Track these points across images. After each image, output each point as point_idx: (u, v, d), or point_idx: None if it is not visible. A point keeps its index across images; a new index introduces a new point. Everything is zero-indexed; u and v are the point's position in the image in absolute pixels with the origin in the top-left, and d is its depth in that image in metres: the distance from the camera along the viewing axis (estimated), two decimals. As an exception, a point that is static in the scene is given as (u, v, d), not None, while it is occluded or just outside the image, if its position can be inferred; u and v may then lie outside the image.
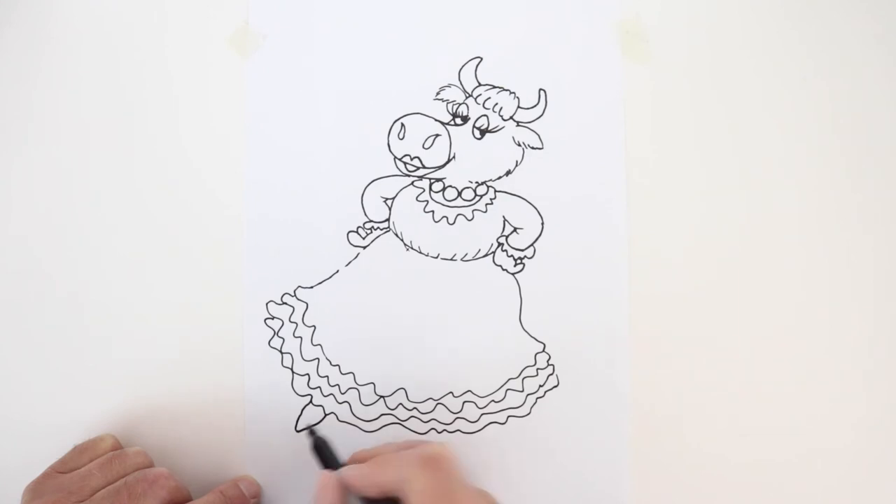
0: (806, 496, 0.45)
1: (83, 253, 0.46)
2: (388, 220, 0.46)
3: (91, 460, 0.42)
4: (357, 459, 0.41)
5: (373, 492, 0.39)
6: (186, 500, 0.42)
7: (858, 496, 0.45)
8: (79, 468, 0.42)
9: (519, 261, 0.46)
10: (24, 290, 0.46)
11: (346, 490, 0.40)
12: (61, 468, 0.42)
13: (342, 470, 0.40)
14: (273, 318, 0.46)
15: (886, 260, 0.46)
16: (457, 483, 0.38)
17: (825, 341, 0.46)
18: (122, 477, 0.41)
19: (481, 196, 0.46)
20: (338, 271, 0.46)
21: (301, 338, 0.46)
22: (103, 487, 0.40)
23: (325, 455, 0.42)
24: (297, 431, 0.44)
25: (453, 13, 0.47)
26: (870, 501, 0.45)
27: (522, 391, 0.45)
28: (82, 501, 0.40)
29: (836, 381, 0.46)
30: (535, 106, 0.46)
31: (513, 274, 0.46)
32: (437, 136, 0.46)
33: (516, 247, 0.46)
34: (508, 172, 0.46)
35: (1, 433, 0.45)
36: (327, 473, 0.40)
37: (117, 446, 0.44)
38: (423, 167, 0.46)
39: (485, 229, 0.46)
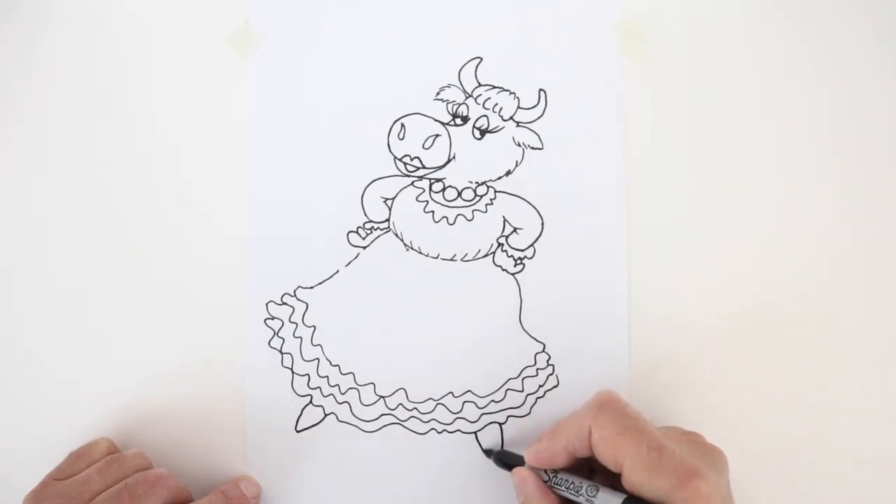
0: (811, 483, 0.45)
1: (82, 253, 0.46)
2: (388, 220, 0.46)
3: (88, 465, 0.42)
4: (532, 445, 0.42)
5: (562, 460, 0.40)
6: (187, 501, 0.42)
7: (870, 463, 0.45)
8: (76, 474, 0.41)
9: (519, 261, 0.46)
10: (21, 292, 0.46)
11: (538, 476, 0.41)
12: (59, 475, 0.42)
13: (527, 454, 0.41)
14: (273, 318, 0.46)
15: (887, 259, 0.46)
16: (634, 417, 0.38)
17: (829, 332, 0.46)
18: (122, 479, 0.41)
19: (481, 196, 0.46)
20: (338, 271, 0.46)
21: (301, 338, 0.46)
22: (103, 491, 0.40)
23: (509, 460, 0.43)
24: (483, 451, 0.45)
25: (453, 13, 0.47)
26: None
27: (522, 391, 0.45)
28: None
29: (839, 378, 0.46)
30: (535, 106, 0.46)
31: (513, 274, 0.46)
32: (437, 136, 0.46)
33: (516, 247, 0.46)
34: (508, 172, 0.46)
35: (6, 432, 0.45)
36: (518, 469, 0.41)
37: (113, 449, 0.44)
38: (423, 167, 0.46)
39: (485, 229, 0.46)
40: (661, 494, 0.36)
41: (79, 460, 0.42)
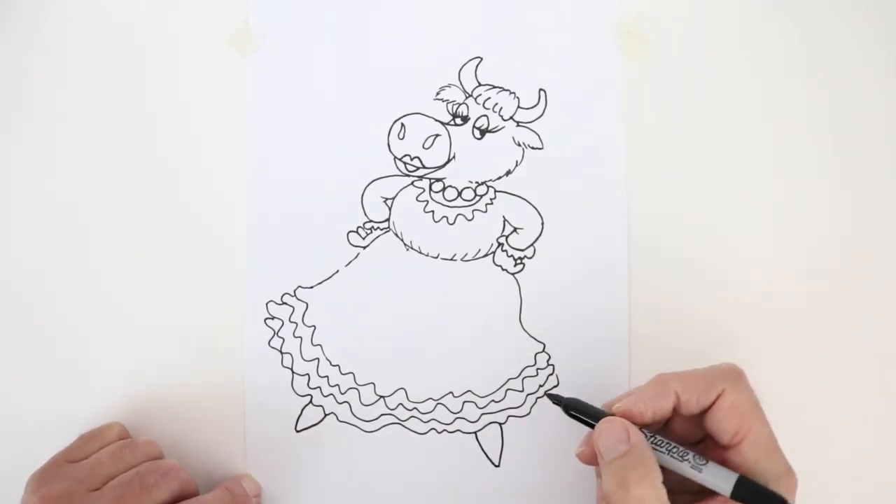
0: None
1: (82, 252, 0.46)
2: (388, 220, 0.46)
3: (98, 449, 0.42)
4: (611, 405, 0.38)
5: (664, 413, 0.37)
6: (195, 494, 0.42)
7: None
8: (86, 457, 0.41)
9: (519, 261, 0.46)
10: (30, 287, 0.46)
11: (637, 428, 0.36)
12: (68, 457, 0.41)
13: (619, 403, 0.37)
14: (273, 318, 0.46)
15: (888, 259, 0.46)
16: (758, 400, 0.37)
17: (829, 332, 0.46)
18: (132, 466, 0.41)
19: (481, 196, 0.46)
20: (338, 271, 0.46)
21: (301, 338, 0.46)
22: (114, 476, 0.40)
23: (586, 410, 0.38)
24: (548, 396, 0.40)
25: (453, 13, 0.47)
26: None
27: (522, 391, 0.45)
28: (94, 490, 0.39)
29: (840, 381, 0.46)
30: (535, 106, 0.46)
31: (513, 274, 0.46)
32: (437, 136, 0.46)
33: (516, 247, 0.46)
34: (508, 172, 0.46)
35: (3, 424, 0.45)
36: (614, 419, 0.36)
37: (124, 435, 0.44)
38: (423, 167, 0.46)
39: (485, 229, 0.46)
40: (769, 475, 0.35)
41: (89, 443, 0.42)
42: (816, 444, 0.45)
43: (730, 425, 0.36)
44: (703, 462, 0.36)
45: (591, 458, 0.38)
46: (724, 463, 0.37)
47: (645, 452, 0.35)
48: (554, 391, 0.45)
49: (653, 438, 0.37)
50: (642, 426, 0.37)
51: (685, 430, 0.39)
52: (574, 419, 0.39)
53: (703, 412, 0.37)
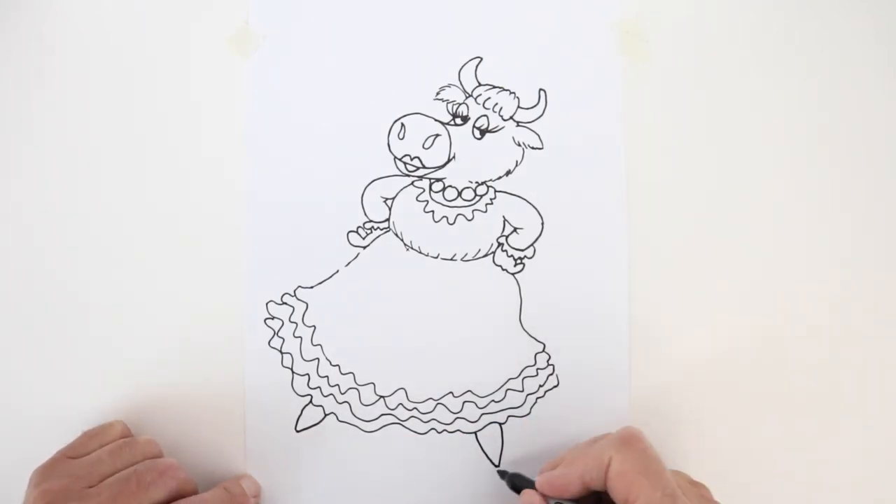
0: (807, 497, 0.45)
1: (84, 253, 0.46)
2: (388, 220, 0.46)
3: (100, 446, 0.42)
4: (545, 471, 0.42)
5: (575, 489, 0.40)
6: (193, 493, 0.42)
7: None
8: (88, 454, 0.42)
9: (519, 261, 0.46)
10: (33, 287, 0.46)
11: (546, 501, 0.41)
12: (70, 453, 0.42)
13: (540, 480, 0.41)
14: (273, 318, 0.46)
15: (888, 259, 0.46)
16: (655, 460, 0.38)
17: (829, 335, 0.46)
18: (132, 464, 0.41)
19: (481, 196, 0.46)
20: (338, 271, 0.46)
21: (301, 338, 0.46)
22: (112, 474, 0.40)
23: (521, 483, 0.42)
24: (498, 473, 0.44)
25: (453, 13, 0.47)
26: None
27: (522, 391, 0.45)
28: (91, 487, 0.40)
29: (840, 387, 0.46)
30: (535, 106, 0.46)
31: (513, 274, 0.46)
32: (437, 136, 0.46)
33: (516, 247, 0.46)
34: (508, 172, 0.46)
35: (9, 420, 0.45)
36: (529, 491, 0.41)
37: (126, 433, 0.44)
38: (423, 167, 0.46)
39: (485, 229, 0.46)
40: None
41: (92, 440, 0.43)
42: (816, 444, 0.45)
43: (620, 492, 0.38)
44: None
45: None
46: None
47: None
48: (554, 391, 0.45)
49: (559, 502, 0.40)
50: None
51: None
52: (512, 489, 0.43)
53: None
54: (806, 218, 0.46)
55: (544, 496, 0.40)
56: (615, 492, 0.38)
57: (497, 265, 0.46)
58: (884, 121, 0.47)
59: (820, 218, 0.46)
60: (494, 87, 0.47)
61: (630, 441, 0.39)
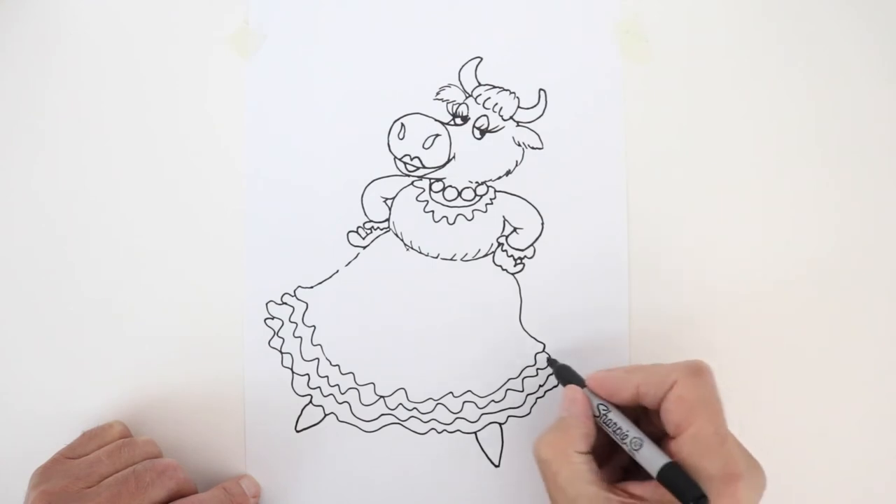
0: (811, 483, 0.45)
1: (83, 252, 0.46)
2: (388, 220, 0.46)
3: (99, 447, 0.42)
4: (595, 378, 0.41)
5: (626, 395, 0.39)
6: (192, 493, 0.42)
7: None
8: (87, 454, 0.42)
9: (519, 261, 0.46)
10: (32, 286, 0.46)
11: (590, 404, 0.39)
12: (70, 454, 0.42)
13: (592, 377, 0.40)
14: (273, 318, 0.46)
15: (883, 257, 0.46)
16: (717, 399, 0.37)
17: (833, 336, 0.46)
18: (131, 465, 0.41)
19: (481, 196, 0.46)
20: (338, 271, 0.46)
21: (301, 338, 0.46)
22: (111, 474, 0.40)
23: (569, 377, 0.42)
24: (548, 360, 0.44)
25: (453, 13, 0.47)
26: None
27: (522, 391, 0.45)
28: (90, 487, 0.40)
29: (846, 390, 0.46)
30: (535, 106, 0.46)
31: (513, 274, 0.46)
32: (437, 136, 0.46)
33: (516, 247, 0.46)
34: (508, 172, 0.46)
35: (9, 421, 0.45)
36: (572, 387, 0.40)
37: (126, 434, 0.44)
38: (423, 167, 0.46)
39: (485, 229, 0.46)
40: (702, 476, 0.35)
41: (91, 441, 0.43)
42: (815, 439, 0.45)
43: (673, 417, 0.37)
44: (639, 445, 0.37)
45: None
46: (665, 449, 0.37)
47: (570, 423, 0.39)
48: (554, 391, 0.45)
49: (605, 415, 0.39)
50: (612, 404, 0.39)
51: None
52: (562, 383, 0.42)
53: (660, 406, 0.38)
54: (807, 217, 0.46)
55: (591, 396, 0.40)
56: (669, 414, 0.37)
57: (497, 265, 0.46)
58: (883, 121, 0.47)
59: (821, 218, 0.46)
60: (494, 87, 0.47)
61: (700, 371, 0.38)
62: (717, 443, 0.36)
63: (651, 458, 0.37)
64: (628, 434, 0.38)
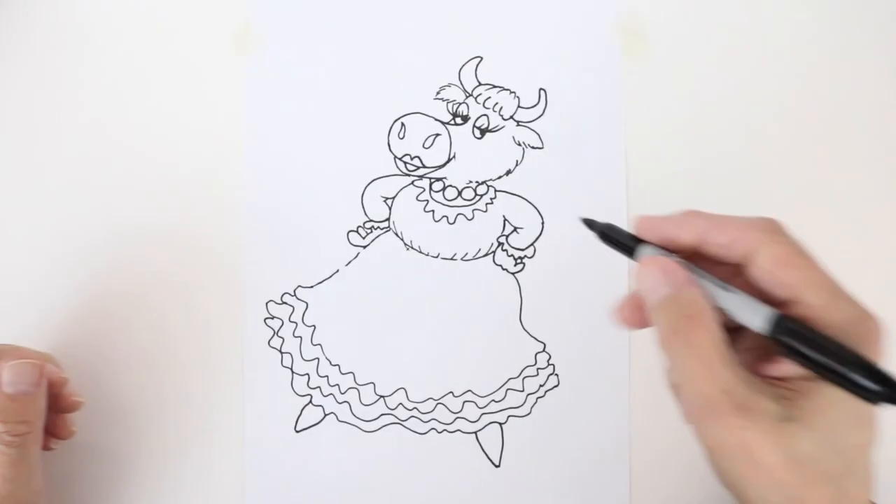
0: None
1: (82, 252, 0.46)
2: (388, 219, 0.46)
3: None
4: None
5: (685, 241, 0.32)
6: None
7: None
8: None
9: (519, 260, 0.46)
10: (31, 290, 0.46)
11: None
12: None
13: (643, 219, 0.33)
14: (273, 317, 0.45)
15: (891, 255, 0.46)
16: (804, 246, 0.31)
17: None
18: None
19: (481, 196, 0.46)
20: (338, 271, 0.46)
21: (301, 337, 0.45)
22: None
23: (617, 236, 0.34)
24: (583, 221, 0.36)
25: (453, 13, 0.47)
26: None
27: (522, 391, 0.45)
28: None
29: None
30: (535, 105, 0.46)
31: (513, 274, 0.46)
32: (438, 135, 0.46)
33: (516, 246, 0.46)
34: (508, 172, 0.46)
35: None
36: (654, 257, 0.32)
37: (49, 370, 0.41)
38: (424, 167, 0.46)
39: (485, 229, 0.46)
40: (841, 319, 0.30)
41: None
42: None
43: (777, 277, 0.31)
44: (740, 294, 0.31)
45: (633, 318, 0.34)
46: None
47: (693, 292, 0.31)
48: (554, 391, 0.45)
49: (694, 269, 0.32)
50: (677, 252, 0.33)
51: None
52: (611, 246, 0.35)
53: (747, 271, 0.32)
54: (808, 217, 0.46)
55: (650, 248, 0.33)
56: (770, 278, 0.31)
57: (497, 265, 0.46)
58: (885, 119, 0.47)
59: (823, 217, 0.46)
60: (495, 86, 0.47)
61: (780, 227, 0.32)
62: (837, 284, 0.31)
63: (762, 311, 0.30)
64: (728, 285, 0.31)
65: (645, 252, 0.33)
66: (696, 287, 0.31)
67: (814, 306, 0.30)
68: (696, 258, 0.33)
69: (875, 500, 0.31)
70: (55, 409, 0.41)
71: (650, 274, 0.32)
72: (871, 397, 0.29)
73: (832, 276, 0.31)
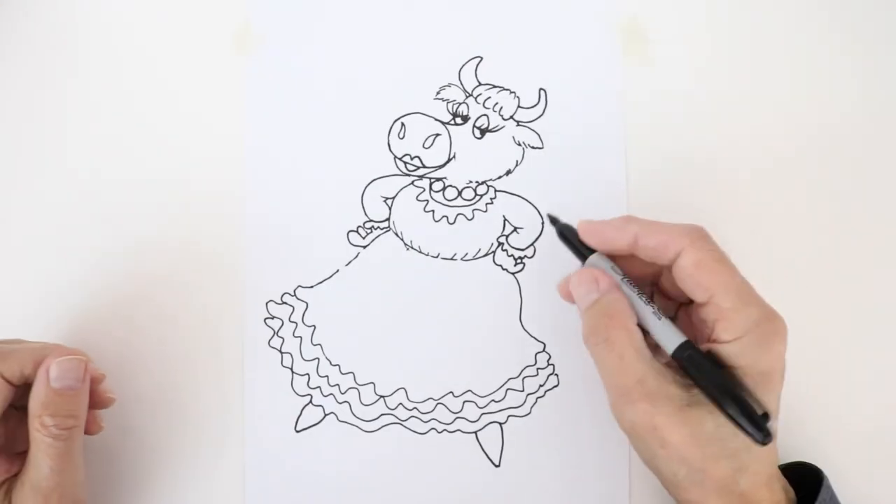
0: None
1: (82, 251, 0.46)
2: (388, 219, 0.46)
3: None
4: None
5: (620, 245, 0.37)
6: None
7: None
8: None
9: (519, 260, 0.46)
10: (31, 287, 0.46)
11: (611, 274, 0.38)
12: None
13: (584, 223, 0.38)
14: (273, 317, 0.45)
15: (890, 257, 0.46)
16: (725, 254, 0.36)
17: (828, 331, 0.46)
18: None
19: (481, 196, 0.46)
20: (338, 271, 0.46)
21: (301, 337, 0.45)
22: None
23: (570, 234, 0.39)
24: (548, 217, 0.41)
25: (453, 13, 0.47)
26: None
27: (522, 391, 0.45)
28: None
29: (848, 389, 0.46)
30: (535, 106, 0.46)
31: (513, 274, 0.46)
32: (438, 135, 0.46)
33: (516, 246, 0.46)
34: (508, 172, 0.46)
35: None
36: (589, 269, 0.38)
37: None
38: (424, 167, 0.46)
39: (485, 229, 0.46)
40: (748, 320, 0.35)
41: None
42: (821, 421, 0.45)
43: (696, 282, 0.36)
44: (660, 317, 0.36)
45: (568, 295, 0.39)
46: (702, 321, 0.37)
47: (614, 296, 0.37)
48: (554, 391, 0.45)
49: (624, 280, 0.37)
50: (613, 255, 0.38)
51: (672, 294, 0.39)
52: (567, 246, 0.40)
53: (669, 271, 0.37)
54: (808, 217, 0.46)
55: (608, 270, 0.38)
56: (690, 282, 0.36)
57: (497, 265, 0.46)
58: (886, 120, 0.47)
59: (822, 218, 0.46)
60: (494, 86, 0.47)
61: (703, 234, 0.36)
62: (749, 289, 0.36)
63: (668, 333, 0.36)
64: (653, 304, 0.37)
65: (591, 257, 0.39)
66: (618, 292, 0.37)
67: (724, 308, 0.35)
68: (632, 260, 0.38)
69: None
70: (90, 405, 0.41)
71: (582, 284, 0.38)
72: (741, 430, 0.34)
73: (745, 281, 0.36)
